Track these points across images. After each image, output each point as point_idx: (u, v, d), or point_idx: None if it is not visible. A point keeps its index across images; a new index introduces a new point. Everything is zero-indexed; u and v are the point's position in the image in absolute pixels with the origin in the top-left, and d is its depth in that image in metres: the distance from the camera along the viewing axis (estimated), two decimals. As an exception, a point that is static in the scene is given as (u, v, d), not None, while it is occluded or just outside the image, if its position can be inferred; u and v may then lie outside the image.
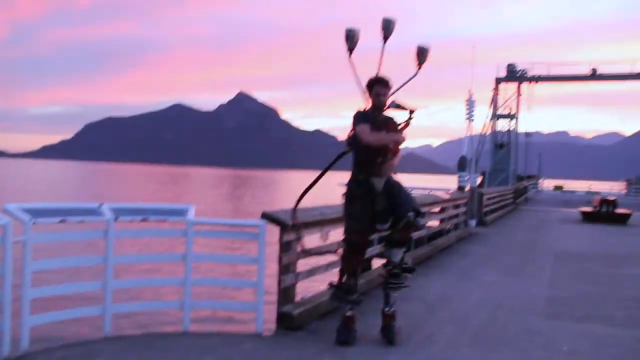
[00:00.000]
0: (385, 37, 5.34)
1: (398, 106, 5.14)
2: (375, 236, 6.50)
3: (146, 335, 5.47)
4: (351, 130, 5.09)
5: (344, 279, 5.19)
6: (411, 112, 5.12)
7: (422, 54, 5.40)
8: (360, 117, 5.04)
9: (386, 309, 5.23)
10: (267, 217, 5.36)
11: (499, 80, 50.12)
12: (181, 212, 5.41)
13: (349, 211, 5.12)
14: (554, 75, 49.87)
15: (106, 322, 5.08)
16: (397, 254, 5.28)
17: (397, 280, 5.24)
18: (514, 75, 50.15)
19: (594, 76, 48.27)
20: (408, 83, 5.40)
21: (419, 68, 5.42)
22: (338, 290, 5.16)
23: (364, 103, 5.20)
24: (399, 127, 5.12)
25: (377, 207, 5.01)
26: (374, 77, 5.13)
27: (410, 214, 4.97)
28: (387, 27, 5.32)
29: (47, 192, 52.69)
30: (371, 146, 4.95)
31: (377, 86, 5.09)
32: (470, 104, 16.47)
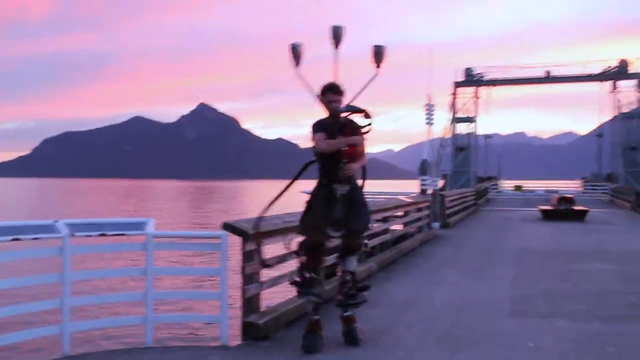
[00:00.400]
0: (336, 45, 5.43)
1: (352, 110, 5.18)
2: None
3: (108, 352, 5.34)
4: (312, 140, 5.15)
5: (306, 274, 5.20)
6: (366, 114, 5.16)
7: (378, 54, 5.50)
8: (315, 127, 5.12)
9: (344, 313, 5.27)
10: (229, 227, 5.30)
11: (457, 85, 51.06)
12: (140, 226, 5.30)
13: (307, 208, 5.18)
14: (510, 78, 51.04)
15: (65, 341, 4.93)
16: (352, 262, 5.36)
17: (354, 300, 5.29)
18: (471, 79, 51.15)
19: (548, 78, 49.60)
20: (369, 86, 5.46)
21: (378, 68, 5.52)
22: (301, 286, 5.19)
23: (322, 112, 5.23)
24: (362, 131, 5.17)
25: (334, 213, 5.07)
26: (325, 84, 5.20)
27: (363, 236, 5.25)
28: (337, 35, 5.43)
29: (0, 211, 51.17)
30: (327, 153, 5.02)
31: (329, 93, 5.15)
32: (430, 109, 16.66)
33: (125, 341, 7.20)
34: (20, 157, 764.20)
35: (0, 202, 67.68)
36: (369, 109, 5.17)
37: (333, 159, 5.05)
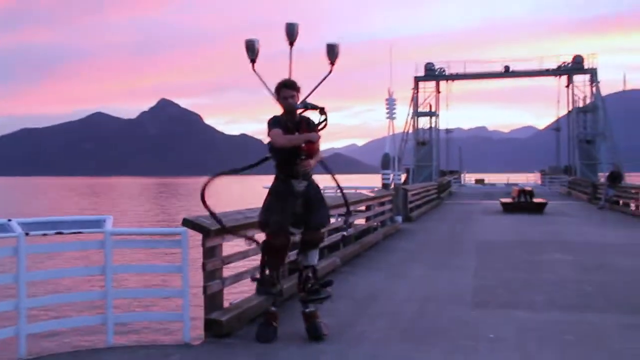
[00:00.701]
0: (291, 42, 5.52)
1: (307, 106, 5.21)
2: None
3: (67, 354, 5.20)
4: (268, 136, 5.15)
5: (266, 272, 5.25)
6: (321, 111, 5.20)
7: (332, 52, 5.57)
8: (272, 123, 5.12)
9: (306, 310, 5.28)
10: (189, 223, 5.22)
11: (418, 79, 51.57)
12: (98, 224, 5.18)
13: (268, 204, 5.19)
14: (470, 73, 51.78)
15: (21, 343, 4.79)
16: (314, 256, 5.42)
17: (318, 295, 5.33)
18: (432, 74, 51.72)
19: (507, 73, 50.51)
20: (327, 82, 5.56)
21: (332, 65, 5.60)
22: (260, 284, 5.25)
23: (279, 109, 5.25)
24: (318, 127, 5.21)
25: (294, 208, 5.13)
26: (280, 81, 5.21)
27: (322, 230, 5.38)
28: (291, 32, 5.50)
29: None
30: (285, 148, 5.05)
31: (284, 89, 5.15)
32: (390, 103, 16.73)
33: (85, 341, 7.07)
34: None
35: (-47, 201, 65.53)
36: (324, 106, 5.20)
37: (290, 155, 5.09)
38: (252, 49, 5.40)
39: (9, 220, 4.91)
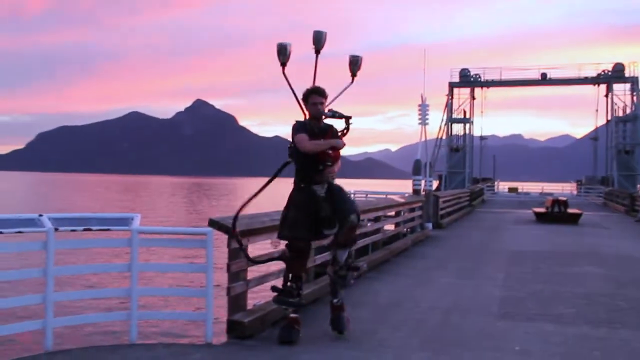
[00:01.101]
0: (317, 50, 5.59)
1: (334, 114, 5.24)
2: (326, 242, 6.47)
3: (91, 348, 5.27)
4: (292, 140, 5.21)
5: (287, 282, 5.27)
6: (347, 119, 5.23)
7: (354, 64, 5.71)
8: (298, 127, 5.16)
9: (334, 300, 5.36)
10: (215, 224, 5.25)
11: (452, 85, 51.05)
12: (125, 222, 5.24)
13: (293, 219, 5.16)
14: (505, 80, 51.06)
15: (47, 336, 4.87)
16: (343, 255, 5.43)
17: (344, 280, 5.38)
18: (467, 80, 51.17)
19: (543, 80, 49.64)
20: (359, 88, 5.66)
21: (354, 77, 5.74)
22: (279, 294, 5.25)
23: (303, 114, 5.35)
24: (339, 135, 5.27)
25: (322, 213, 5.14)
26: (309, 87, 5.30)
27: (353, 216, 5.15)
28: (319, 40, 5.57)
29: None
30: (310, 154, 5.08)
31: (313, 95, 5.21)
32: (423, 109, 16.60)
33: (109, 338, 7.18)
34: (15, 151, 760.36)
35: (-6, 195, 67.42)
36: (351, 116, 5.24)
37: (316, 161, 5.12)
38: (283, 53, 5.45)
39: (40, 215, 5.01)
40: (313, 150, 5.07)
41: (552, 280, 9.05)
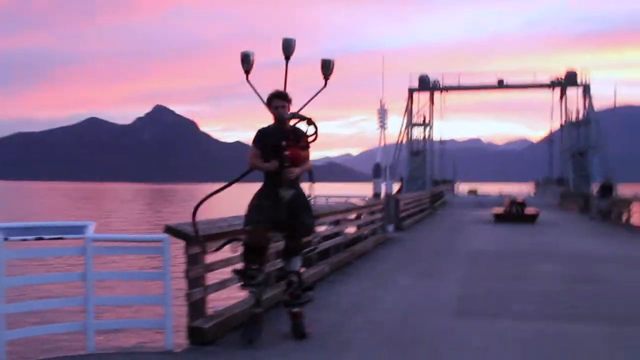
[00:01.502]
0: (287, 57, 5.66)
1: (294, 116, 5.37)
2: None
3: (48, 359, 5.15)
4: None
5: (249, 265, 5.27)
6: (309, 121, 5.35)
7: (327, 67, 5.78)
8: (255, 139, 5.36)
9: (293, 310, 5.47)
10: (171, 230, 5.19)
11: (412, 91, 51.64)
12: (79, 229, 5.13)
13: (252, 204, 5.30)
14: (464, 85, 51.92)
15: (0, 350, 4.72)
16: (296, 263, 5.55)
17: (300, 299, 5.50)
18: (426, 85, 51.83)
19: (501, 85, 50.66)
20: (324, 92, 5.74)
21: (326, 80, 5.78)
22: (242, 276, 5.28)
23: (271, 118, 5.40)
24: (307, 138, 5.38)
25: (278, 215, 5.24)
26: (272, 92, 5.41)
27: (308, 230, 5.50)
28: (288, 47, 5.65)
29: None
30: (270, 156, 5.22)
31: (276, 100, 5.34)
32: (382, 113, 16.77)
33: (66, 349, 6.99)
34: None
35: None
36: (312, 117, 5.36)
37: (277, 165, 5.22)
38: (247, 61, 5.55)
39: (-11, 224, 4.87)
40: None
41: (509, 278, 9.22)
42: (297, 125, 5.41)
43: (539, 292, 8.07)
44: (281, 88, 5.46)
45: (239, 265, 5.40)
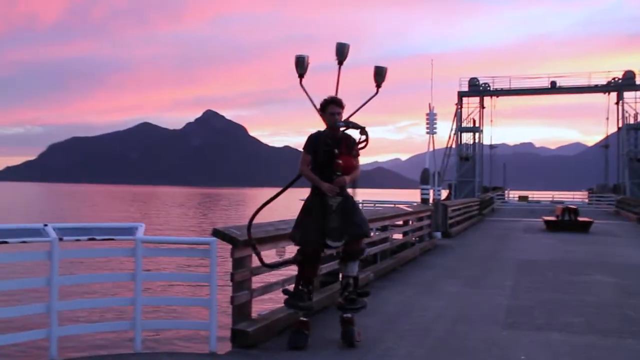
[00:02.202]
0: (340, 62, 5.57)
1: (349, 125, 5.30)
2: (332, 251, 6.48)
3: (95, 357, 5.28)
4: None
5: (298, 286, 5.34)
6: (362, 131, 5.27)
7: (379, 74, 5.69)
8: (307, 144, 5.34)
9: (344, 315, 5.41)
10: (218, 234, 5.26)
11: (461, 95, 50.99)
12: (129, 231, 5.26)
13: (304, 223, 5.30)
14: (515, 88, 50.92)
15: (52, 345, 4.89)
16: (354, 268, 5.50)
17: (354, 305, 5.43)
18: (476, 89, 51.10)
19: (553, 89, 49.44)
20: (369, 102, 5.66)
21: (378, 88, 5.71)
22: (290, 297, 5.32)
23: (325, 124, 5.37)
24: (357, 146, 5.35)
25: (330, 224, 5.20)
26: (327, 98, 5.37)
27: (362, 233, 5.39)
28: (341, 52, 5.56)
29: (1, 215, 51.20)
30: (321, 164, 5.23)
31: (331, 106, 5.30)
32: (431, 118, 16.60)
33: (113, 347, 7.17)
34: (27, 162, 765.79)
35: (1, 205, 67.81)
36: (366, 126, 5.28)
37: (326, 171, 5.23)
38: (301, 65, 5.51)
39: (45, 225, 5.04)
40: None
41: (560, 289, 8.96)
42: (348, 132, 5.38)
43: (592, 304, 7.81)
44: (332, 93, 5.44)
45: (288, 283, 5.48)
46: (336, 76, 5.52)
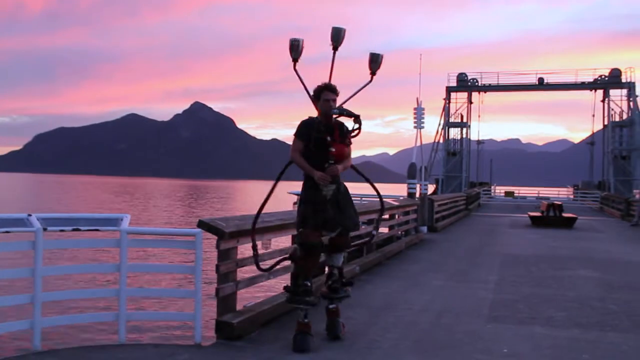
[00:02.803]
0: (335, 47, 5.44)
1: (342, 112, 5.19)
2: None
3: (79, 348, 5.26)
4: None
5: (300, 281, 5.24)
6: (356, 119, 5.18)
7: (375, 62, 5.55)
8: (299, 132, 5.22)
9: (330, 306, 5.39)
10: (204, 225, 5.25)
11: (450, 90, 51.12)
12: (115, 222, 5.24)
13: (302, 214, 5.20)
14: (503, 84, 51.13)
15: (36, 336, 4.86)
16: (339, 259, 5.50)
17: (338, 294, 5.41)
18: (464, 84, 51.25)
19: (541, 85, 49.72)
20: (363, 90, 5.57)
21: (373, 75, 5.58)
22: (294, 294, 5.22)
23: (317, 110, 5.28)
24: (350, 135, 5.25)
25: (325, 214, 5.14)
26: (321, 84, 5.25)
27: (355, 225, 5.37)
28: (337, 37, 5.42)
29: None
30: (314, 154, 5.14)
31: (326, 92, 5.18)
32: (419, 112, 16.64)
33: (97, 338, 7.15)
34: (12, 152, 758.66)
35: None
36: (359, 114, 5.19)
37: (318, 160, 5.14)
38: (295, 49, 5.37)
39: (29, 215, 5.00)
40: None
41: (544, 283, 9.05)
42: (341, 120, 5.27)
43: (574, 298, 7.89)
44: (324, 81, 5.28)
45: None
46: (331, 64, 5.37)
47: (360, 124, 5.18)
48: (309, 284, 5.22)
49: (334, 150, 5.12)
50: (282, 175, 5.47)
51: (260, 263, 5.51)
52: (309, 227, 5.11)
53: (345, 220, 5.23)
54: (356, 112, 5.17)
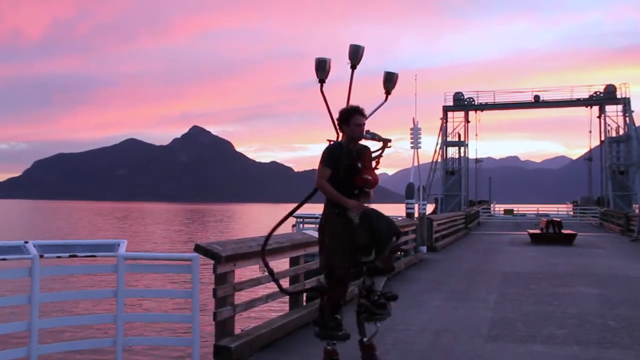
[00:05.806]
0: (353, 65, 5.26)
1: (374, 137, 5.05)
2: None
3: (77, 377, 5.24)
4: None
5: (329, 315, 4.98)
6: (385, 143, 5.07)
7: (389, 80, 5.41)
8: (326, 158, 4.84)
9: (365, 339, 5.05)
10: (200, 249, 5.26)
11: (446, 109, 51.42)
12: (111, 248, 5.23)
13: (330, 247, 4.87)
14: (499, 102, 51.43)
15: (32, 364, 4.82)
16: (380, 282, 5.02)
17: (384, 310, 4.99)
18: (461, 103, 51.58)
19: (537, 103, 50.03)
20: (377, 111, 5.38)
21: (388, 95, 5.44)
22: (325, 329, 4.99)
23: (336, 134, 5.04)
24: (375, 158, 5.08)
25: (359, 240, 4.79)
26: (350, 106, 4.93)
27: (393, 239, 4.89)
28: (355, 54, 5.25)
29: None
30: (345, 177, 4.79)
31: (357, 116, 4.83)
32: (415, 132, 16.73)
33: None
34: (11, 179, 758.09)
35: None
36: (391, 139, 5.07)
37: (352, 187, 4.82)
38: (322, 68, 5.14)
39: (26, 242, 5.00)
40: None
41: (544, 301, 9.02)
42: (366, 144, 5.02)
43: (574, 315, 7.87)
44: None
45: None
46: (349, 82, 5.16)
47: (387, 148, 5.01)
48: (339, 317, 4.95)
49: (370, 178, 4.82)
50: (306, 201, 5.20)
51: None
52: (338, 258, 4.80)
53: (380, 236, 4.79)
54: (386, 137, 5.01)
